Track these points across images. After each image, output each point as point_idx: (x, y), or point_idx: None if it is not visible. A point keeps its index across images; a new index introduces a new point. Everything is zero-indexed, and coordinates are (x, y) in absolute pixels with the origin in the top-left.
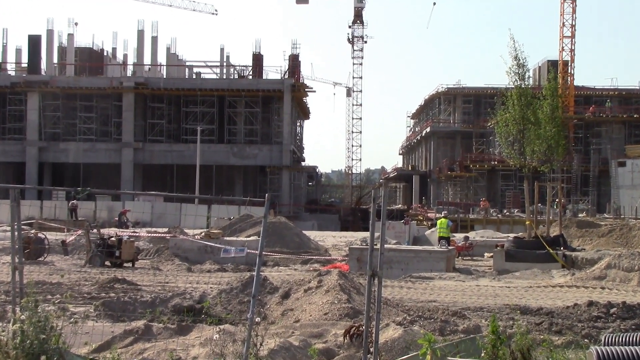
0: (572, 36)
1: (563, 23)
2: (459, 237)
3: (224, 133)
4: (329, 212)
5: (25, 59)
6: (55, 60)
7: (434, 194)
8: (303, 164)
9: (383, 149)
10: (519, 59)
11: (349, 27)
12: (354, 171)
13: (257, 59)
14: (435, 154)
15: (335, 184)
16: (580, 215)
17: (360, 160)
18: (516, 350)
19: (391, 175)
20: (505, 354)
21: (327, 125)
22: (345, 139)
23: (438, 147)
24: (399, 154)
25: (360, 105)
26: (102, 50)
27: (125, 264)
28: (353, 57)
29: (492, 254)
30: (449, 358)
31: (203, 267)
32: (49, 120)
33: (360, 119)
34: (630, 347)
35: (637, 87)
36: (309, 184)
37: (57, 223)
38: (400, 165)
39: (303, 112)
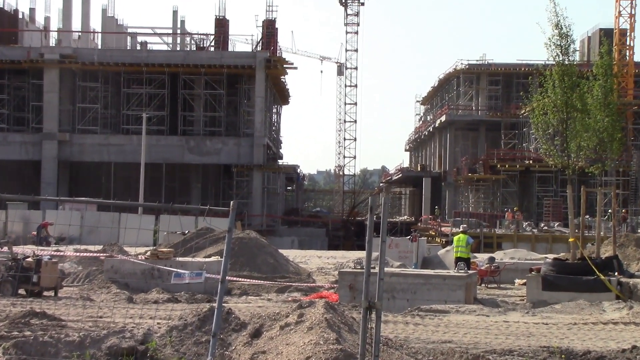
0: None
1: None
2: (482, 258)
3: (177, 122)
4: (313, 225)
5: None
6: None
7: (450, 202)
8: (280, 162)
9: (384, 144)
10: (562, 28)
11: None
12: (346, 172)
13: (221, 25)
14: (452, 151)
15: (322, 188)
16: None
17: (355, 158)
18: None
19: (394, 177)
20: None
21: (312, 112)
22: (335, 131)
23: (456, 142)
24: (405, 151)
25: (355, 86)
26: (16, 11)
27: (45, 293)
28: (346, 24)
29: (524, 280)
30: None
31: (148, 297)
32: None
33: (355, 104)
34: None
35: None
36: (288, 188)
37: None
38: (406, 164)
39: (281, 96)
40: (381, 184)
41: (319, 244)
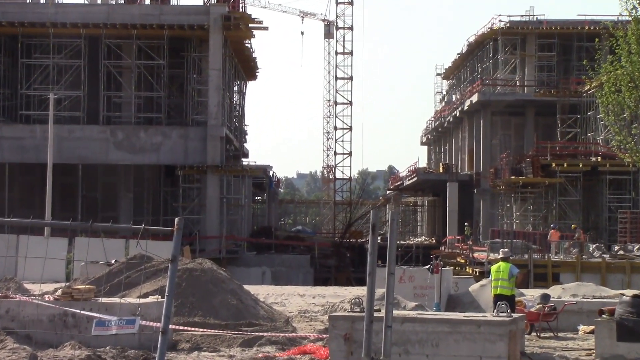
0: None
1: None
2: (532, 296)
3: (98, 106)
4: (293, 251)
5: None
6: None
7: (486, 217)
8: (245, 162)
9: (392, 135)
10: None
11: None
12: (338, 175)
13: None
14: (487, 144)
15: (304, 198)
16: None
17: (350, 155)
18: None
19: (407, 182)
20: None
21: (289, 91)
22: (322, 117)
23: (493, 131)
24: (422, 144)
25: (350, 54)
26: None
27: None
28: None
29: (592, 327)
30: None
31: (59, 355)
32: None
33: (350, 79)
34: None
35: None
36: (257, 198)
37: None
38: (422, 164)
39: (245, 68)
40: (388, 192)
41: (300, 277)
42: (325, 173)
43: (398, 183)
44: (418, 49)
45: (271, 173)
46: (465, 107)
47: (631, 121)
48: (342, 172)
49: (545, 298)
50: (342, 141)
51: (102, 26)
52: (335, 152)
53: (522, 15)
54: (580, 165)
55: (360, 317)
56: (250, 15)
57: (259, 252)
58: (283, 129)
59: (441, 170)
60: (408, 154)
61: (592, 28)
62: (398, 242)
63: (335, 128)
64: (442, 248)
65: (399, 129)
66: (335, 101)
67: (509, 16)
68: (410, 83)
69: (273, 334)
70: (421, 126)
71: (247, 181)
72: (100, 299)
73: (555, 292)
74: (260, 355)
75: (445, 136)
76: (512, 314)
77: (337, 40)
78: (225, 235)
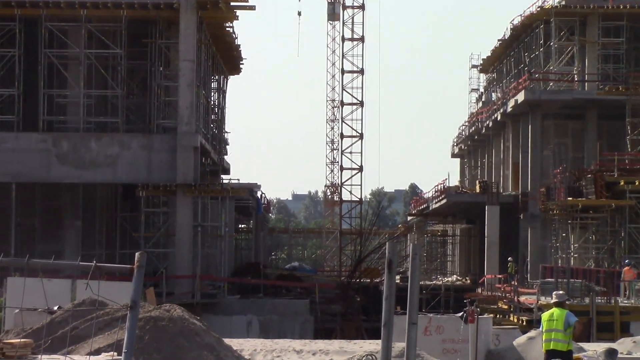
0: None
1: None
2: (593, 351)
3: (38, 108)
4: (287, 295)
5: None
6: None
7: (535, 250)
8: (226, 179)
9: (414, 146)
10: None
11: None
12: (345, 197)
13: None
14: (537, 156)
15: (301, 227)
16: None
17: (361, 170)
18: None
19: (433, 205)
20: None
21: (282, 89)
22: (325, 122)
23: (544, 139)
24: (453, 156)
25: (361, 40)
26: None
27: None
28: None
29: None
30: None
31: None
32: None
33: (361, 72)
34: None
35: None
36: (241, 226)
37: None
38: (454, 182)
39: (226, 59)
40: (409, 218)
41: (297, 328)
42: (329, 194)
43: (422, 207)
44: (448, 35)
45: (259, 194)
46: (509, 109)
47: None
48: (351, 192)
49: (611, 354)
50: (351, 153)
51: (43, 5)
52: (341, 166)
53: None
54: None
55: None
56: None
57: (244, 295)
58: (275, 138)
59: (478, 190)
60: (435, 170)
61: None
62: (422, 283)
63: (342, 136)
64: (479, 290)
65: (424, 137)
66: (342, 101)
67: None
68: (438, 78)
69: None
70: (452, 133)
71: (229, 204)
72: (39, 356)
73: (624, 346)
74: None
75: (482, 146)
76: None
77: (344, 23)
78: (200, 275)
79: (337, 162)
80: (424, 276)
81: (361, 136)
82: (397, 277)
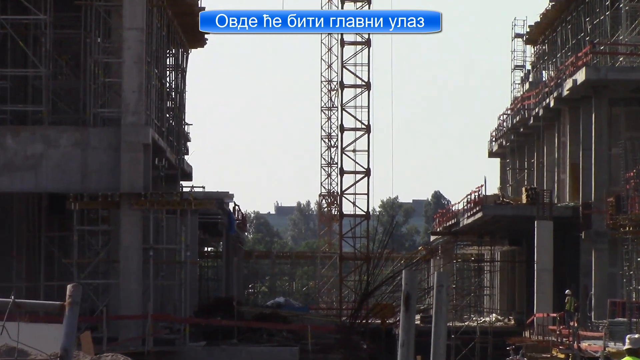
0: None
1: None
2: None
3: None
4: (269, 341)
5: None
6: None
7: (601, 280)
8: (187, 187)
9: (439, 143)
10: None
11: None
12: (347, 209)
13: None
14: (602, 154)
15: (287, 249)
16: None
17: (368, 175)
18: None
19: (465, 220)
20: None
21: (259, 64)
22: (318, 110)
23: (612, 133)
24: (490, 156)
25: (368, 1)
26: None
27: None
28: None
29: None
30: None
31: None
32: None
33: (367, 43)
34: None
35: None
36: (207, 250)
37: None
38: (492, 190)
39: (187, 27)
40: (433, 238)
41: None
42: (325, 206)
43: (450, 223)
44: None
45: (232, 206)
46: (565, 92)
47: None
48: (354, 204)
49: None
50: (354, 151)
51: None
52: (341, 169)
53: None
54: None
55: None
56: None
57: (212, 342)
58: (252, 132)
59: (524, 201)
60: (467, 174)
61: None
62: (450, 324)
63: (342, 129)
64: (527, 334)
65: (452, 130)
66: (342, 82)
67: None
68: (471, 51)
69: None
70: (490, 126)
71: (191, 220)
72: None
73: None
74: None
75: (530, 142)
76: None
77: None
78: (153, 314)
79: (336, 163)
80: (453, 315)
81: (368, 129)
82: (417, 316)
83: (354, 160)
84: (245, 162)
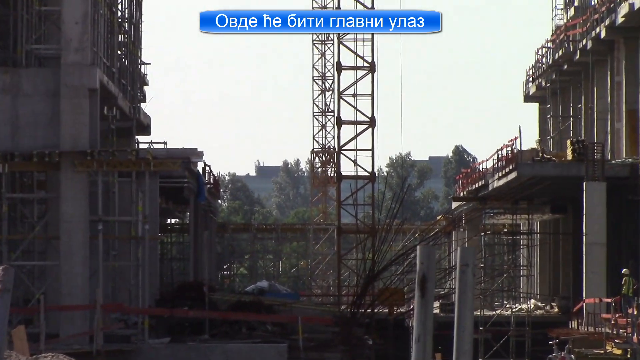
0: None
1: None
2: None
3: None
4: (250, 334)
5: None
6: None
7: None
8: (145, 143)
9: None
10: None
11: None
12: (347, 170)
13: None
14: None
15: (272, 220)
16: None
17: (373, 126)
18: None
19: (495, 183)
20: None
21: None
22: (310, 43)
23: None
24: (525, 100)
25: None
26: None
27: None
28: None
29: None
30: None
31: None
32: None
33: None
34: None
35: None
36: (171, 222)
37: None
38: (529, 144)
39: None
40: (455, 205)
41: None
42: (319, 165)
43: (476, 185)
44: None
45: (201, 167)
46: (620, 19)
47: None
48: (356, 162)
49: None
50: (354, 96)
51: None
52: (339, 119)
53: None
54: None
55: None
56: None
57: (176, 337)
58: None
59: (570, 157)
60: (497, 123)
61: None
62: (478, 313)
63: (339, 67)
64: (574, 324)
65: (478, 68)
66: (338, 4)
67: None
68: None
69: None
70: (525, 63)
71: (150, 185)
72: None
73: None
74: None
75: (576, 83)
76: None
77: None
78: (103, 304)
79: (332, 111)
80: (480, 302)
81: (372, 67)
82: (436, 304)
83: (355, 107)
84: (217, 112)
